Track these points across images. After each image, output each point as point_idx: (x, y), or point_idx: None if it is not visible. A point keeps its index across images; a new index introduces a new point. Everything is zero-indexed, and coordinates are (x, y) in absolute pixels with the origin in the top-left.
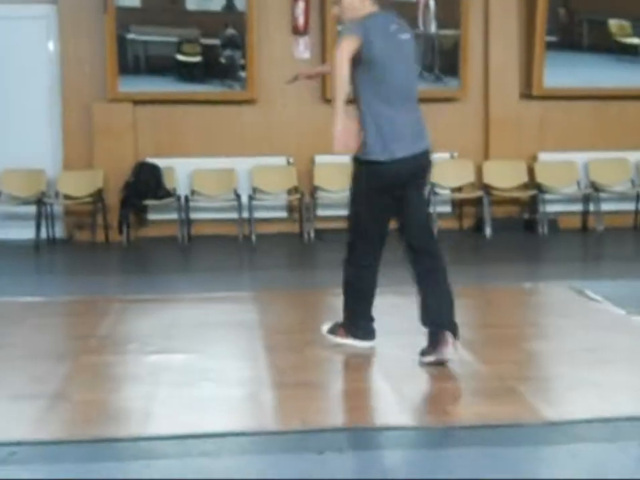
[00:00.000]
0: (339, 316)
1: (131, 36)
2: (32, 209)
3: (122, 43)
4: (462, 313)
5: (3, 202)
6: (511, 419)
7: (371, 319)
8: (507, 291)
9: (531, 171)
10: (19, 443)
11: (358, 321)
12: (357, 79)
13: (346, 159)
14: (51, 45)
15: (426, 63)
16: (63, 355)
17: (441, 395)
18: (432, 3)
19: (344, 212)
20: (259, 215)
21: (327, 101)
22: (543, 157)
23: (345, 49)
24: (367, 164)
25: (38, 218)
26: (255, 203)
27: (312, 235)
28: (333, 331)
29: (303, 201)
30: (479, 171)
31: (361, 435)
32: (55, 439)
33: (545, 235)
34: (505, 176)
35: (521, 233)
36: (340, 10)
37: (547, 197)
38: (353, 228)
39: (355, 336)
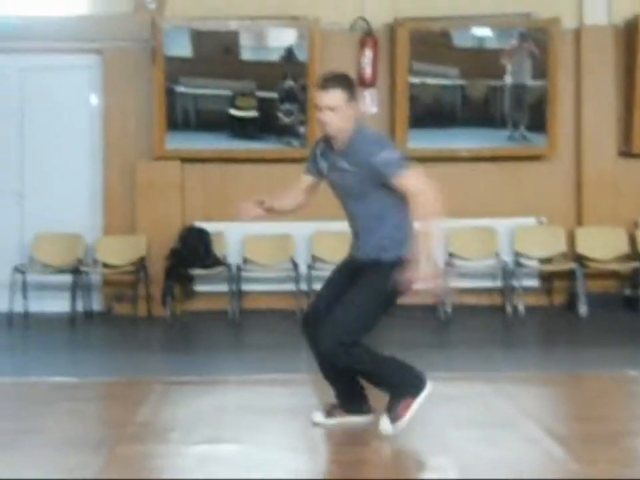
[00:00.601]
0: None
1: (180, 89)
2: (67, 279)
3: (170, 95)
4: (553, 403)
5: (36, 270)
6: None
7: None
8: (605, 379)
9: (632, 240)
10: None
11: (412, 375)
12: (381, 192)
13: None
14: (93, 98)
15: (513, 119)
16: (98, 444)
17: None
18: (531, 48)
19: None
20: (318, 286)
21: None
22: None
23: (425, 180)
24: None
25: (74, 288)
26: (314, 273)
27: None
28: (393, 419)
29: None
30: (571, 239)
31: None
32: None
33: None
34: (601, 245)
35: (621, 311)
36: (333, 118)
37: None
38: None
39: (415, 394)
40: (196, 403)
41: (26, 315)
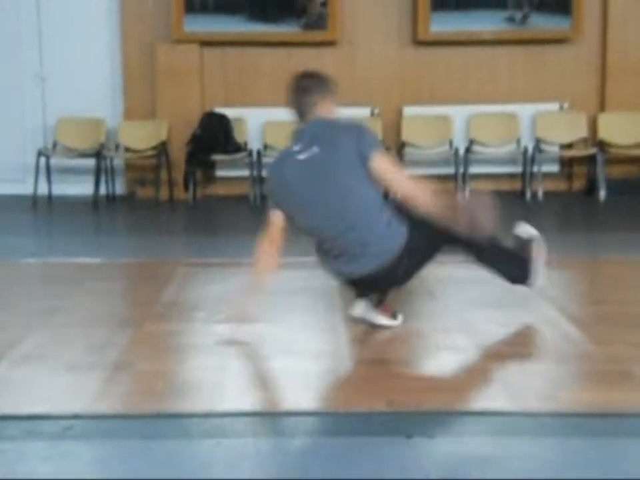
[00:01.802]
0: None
1: None
2: (90, 162)
3: None
4: (571, 287)
5: (59, 154)
6: (627, 407)
7: None
8: (623, 263)
9: None
10: (76, 417)
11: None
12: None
13: (435, 111)
14: None
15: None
16: (123, 323)
17: (546, 378)
18: None
19: (433, 170)
20: None
21: (419, 43)
22: None
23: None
24: None
25: (97, 172)
26: None
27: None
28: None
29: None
30: (592, 125)
31: (455, 420)
32: (115, 412)
33: None
34: (623, 130)
35: None
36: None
37: None
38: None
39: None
40: (220, 284)
41: (50, 198)
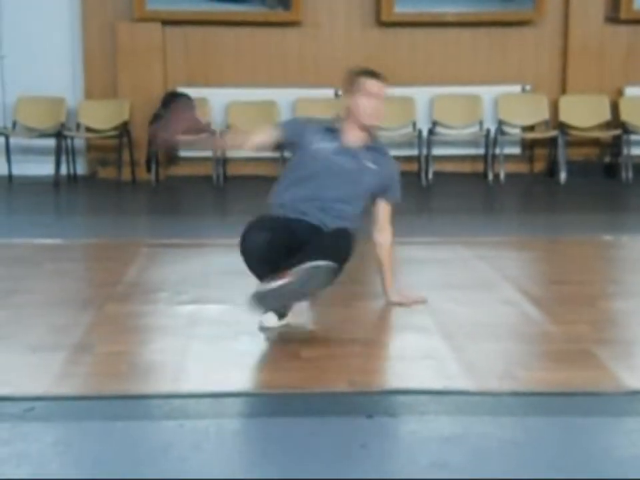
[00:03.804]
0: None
1: None
2: (51, 142)
3: None
4: (531, 267)
5: (19, 134)
6: (587, 386)
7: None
8: (582, 244)
9: (614, 108)
10: (38, 398)
11: None
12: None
13: (399, 93)
14: None
15: None
16: (85, 303)
17: (507, 358)
18: None
19: (397, 151)
20: None
21: (382, 24)
22: (630, 91)
23: None
24: None
25: (57, 152)
26: None
27: None
28: None
29: None
30: (554, 107)
31: (417, 399)
32: (77, 394)
33: (629, 181)
34: (584, 113)
35: (601, 178)
36: (382, 109)
37: (633, 137)
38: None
39: None
40: (183, 265)
41: (10, 178)
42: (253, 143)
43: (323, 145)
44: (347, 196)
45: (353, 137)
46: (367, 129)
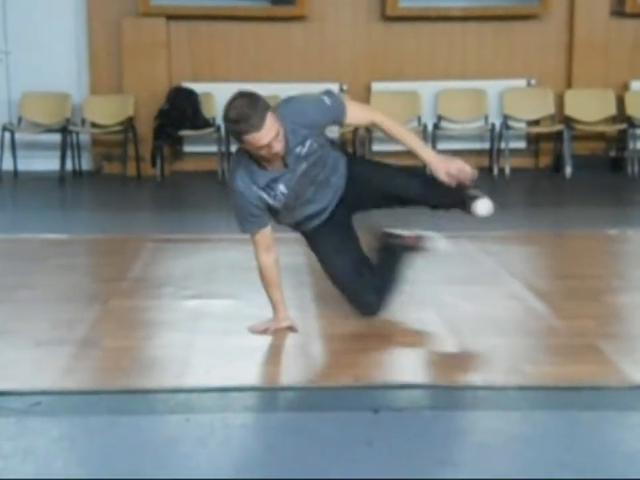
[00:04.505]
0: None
1: None
2: (56, 138)
3: None
4: (537, 261)
5: (24, 129)
6: (593, 380)
7: None
8: (588, 238)
9: (620, 102)
10: (43, 393)
11: None
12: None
13: (404, 87)
14: None
15: None
16: (91, 298)
17: (513, 352)
18: None
19: (401, 146)
20: None
21: (387, 18)
22: (636, 85)
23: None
24: None
25: (63, 148)
26: None
27: None
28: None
29: (357, 134)
30: (559, 102)
31: (422, 394)
32: (83, 388)
33: (635, 175)
34: (589, 107)
35: (607, 172)
36: (280, 142)
37: (639, 131)
38: None
39: None
40: (188, 260)
41: (15, 174)
42: (269, 250)
43: (271, 200)
44: (315, 171)
45: (270, 167)
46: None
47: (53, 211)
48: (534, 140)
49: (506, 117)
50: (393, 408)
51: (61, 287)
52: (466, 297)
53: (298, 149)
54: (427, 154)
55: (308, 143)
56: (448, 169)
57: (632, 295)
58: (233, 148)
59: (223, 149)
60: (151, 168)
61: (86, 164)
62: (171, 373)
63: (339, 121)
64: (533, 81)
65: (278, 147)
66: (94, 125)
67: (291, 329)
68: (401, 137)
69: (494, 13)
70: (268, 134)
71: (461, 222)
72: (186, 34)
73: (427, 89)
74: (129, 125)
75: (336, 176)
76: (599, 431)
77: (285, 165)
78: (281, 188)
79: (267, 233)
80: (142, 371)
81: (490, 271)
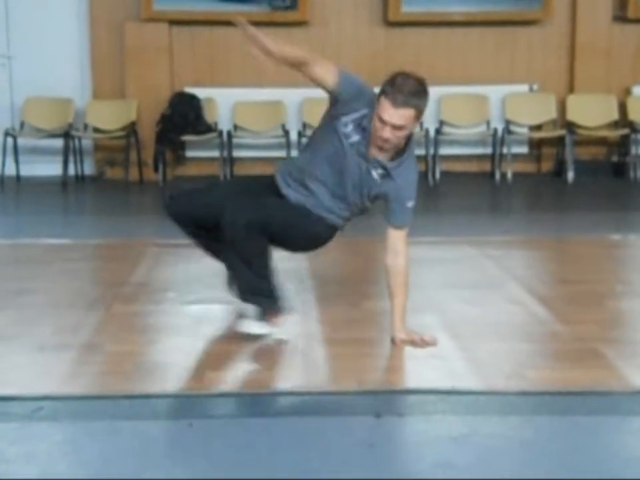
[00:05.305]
0: None
1: None
2: (58, 143)
3: None
4: (539, 266)
5: (26, 134)
6: (595, 385)
7: None
8: (590, 243)
9: (622, 107)
10: (45, 398)
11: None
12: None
13: None
14: None
15: None
16: (93, 303)
17: (515, 357)
18: None
19: None
20: None
21: (390, 23)
22: (638, 90)
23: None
24: None
25: (65, 153)
26: (304, 140)
27: None
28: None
29: None
30: (561, 107)
31: (425, 399)
32: (85, 393)
33: (637, 180)
34: (592, 112)
35: (609, 177)
36: (397, 136)
37: None
38: None
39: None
40: (190, 265)
41: (18, 179)
42: (313, 73)
43: (351, 140)
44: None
45: (373, 149)
46: (383, 150)
47: (55, 216)
48: (536, 145)
49: (508, 122)
50: (395, 413)
51: (63, 292)
52: (468, 301)
53: (376, 171)
54: (397, 324)
55: (378, 178)
56: (405, 343)
57: (634, 300)
58: (235, 153)
59: (225, 154)
60: (154, 173)
61: (88, 169)
62: (174, 378)
63: (387, 217)
64: (535, 86)
65: (392, 138)
66: (96, 130)
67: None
68: (396, 297)
69: (496, 18)
70: (399, 119)
71: (462, 227)
72: (188, 39)
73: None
74: (131, 130)
75: (327, 206)
76: (602, 436)
77: (366, 158)
78: (353, 136)
79: (324, 63)
80: (144, 375)
81: (492, 275)
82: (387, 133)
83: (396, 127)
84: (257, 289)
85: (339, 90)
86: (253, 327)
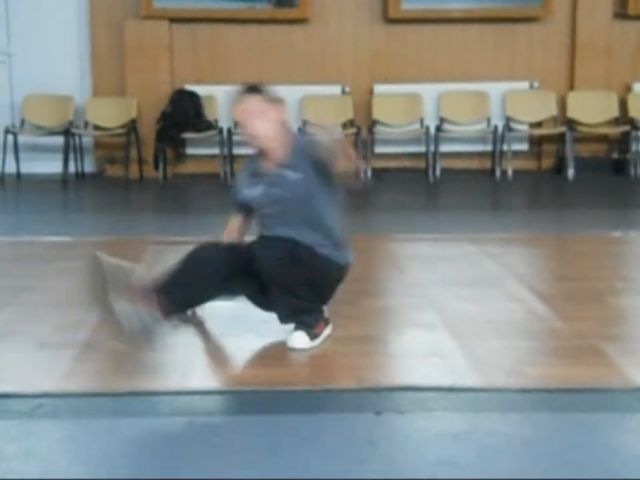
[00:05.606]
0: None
1: None
2: (59, 140)
3: None
4: (539, 264)
5: (27, 132)
6: (595, 382)
7: None
8: (590, 240)
9: (623, 104)
10: (46, 395)
11: None
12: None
13: (406, 90)
14: None
15: None
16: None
17: (515, 354)
18: None
19: (404, 148)
20: None
21: (390, 20)
22: (639, 87)
23: None
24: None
25: (65, 150)
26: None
27: (369, 174)
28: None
29: (360, 136)
30: (562, 104)
31: (424, 396)
32: (86, 390)
33: (637, 177)
34: (592, 109)
35: (609, 174)
36: (262, 125)
37: None
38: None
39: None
40: None
41: (18, 176)
42: (235, 230)
43: (248, 191)
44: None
45: (267, 163)
46: (267, 152)
47: (55, 213)
48: (536, 142)
49: (508, 119)
50: (395, 410)
51: (64, 290)
52: (468, 299)
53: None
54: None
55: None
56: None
57: (634, 297)
58: (236, 150)
59: (226, 151)
60: (154, 170)
61: (89, 166)
62: (174, 375)
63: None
64: (536, 83)
65: (257, 129)
66: (96, 128)
67: None
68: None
69: (496, 15)
70: (248, 106)
71: (462, 224)
72: (188, 36)
73: (429, 91)
74: (131, 127)
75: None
76: (601, 433)
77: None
78: (253, 192)
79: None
80: (145, 373)
81: (492, 273)
82: (250, 129)
83: (254, 115)
84: (295, 311)
85: (237, 202)
86: (300, 342)
